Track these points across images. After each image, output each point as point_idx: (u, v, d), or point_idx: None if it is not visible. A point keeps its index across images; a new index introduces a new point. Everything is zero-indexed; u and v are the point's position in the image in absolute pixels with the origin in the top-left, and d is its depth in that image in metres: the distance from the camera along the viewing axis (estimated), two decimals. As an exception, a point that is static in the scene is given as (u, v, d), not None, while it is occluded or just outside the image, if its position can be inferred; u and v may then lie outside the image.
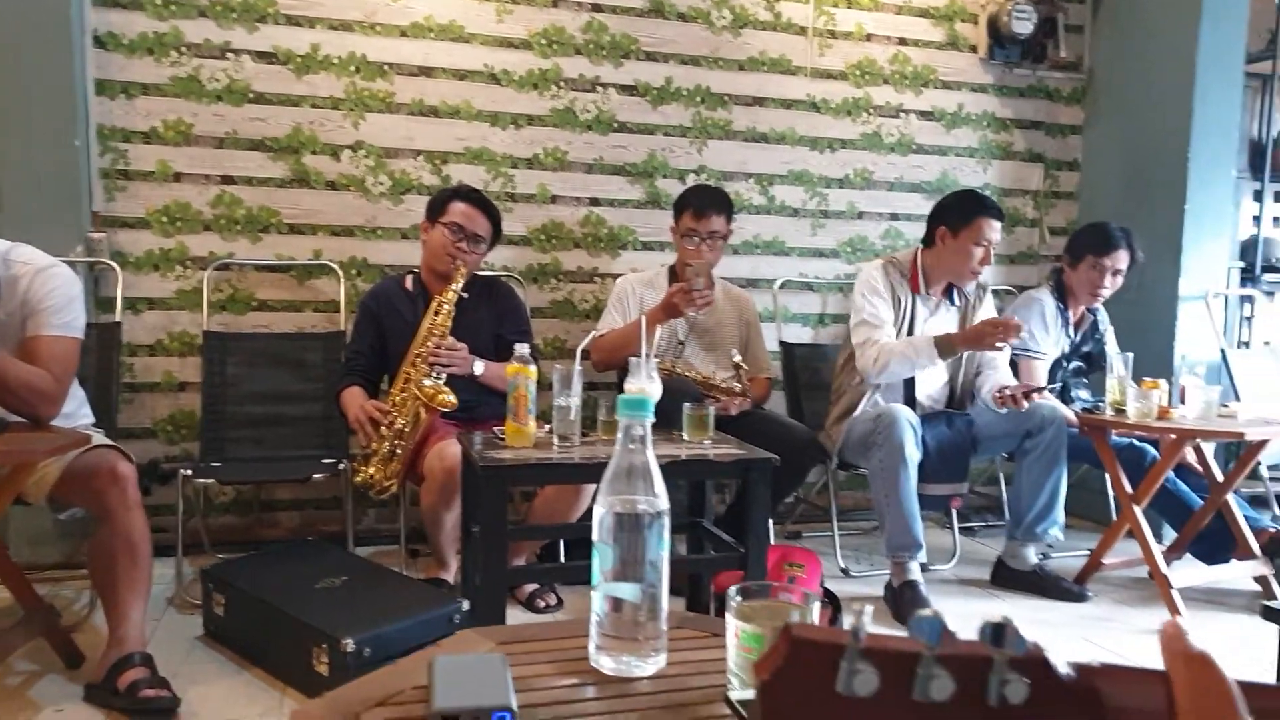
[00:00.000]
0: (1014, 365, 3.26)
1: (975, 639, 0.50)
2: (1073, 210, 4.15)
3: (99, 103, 3.11)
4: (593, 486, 2.66)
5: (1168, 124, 3.69)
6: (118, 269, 3.08)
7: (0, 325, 2.13)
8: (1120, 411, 2.89)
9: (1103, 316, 3.43)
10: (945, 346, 2.86)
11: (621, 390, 3.06)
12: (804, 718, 0.49)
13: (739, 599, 0.87)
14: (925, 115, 3.91)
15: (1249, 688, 0.50)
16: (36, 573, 2.42)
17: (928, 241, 3.04)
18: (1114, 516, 3.24)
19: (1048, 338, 3.26)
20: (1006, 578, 3.04)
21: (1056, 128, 4.11)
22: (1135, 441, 3.16)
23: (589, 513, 2.78)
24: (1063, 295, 3.32)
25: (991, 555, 3.21)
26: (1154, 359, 3.55)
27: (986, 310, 3.13)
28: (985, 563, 3.22)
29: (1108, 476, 3.13)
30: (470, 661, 0.91)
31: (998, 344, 2.78)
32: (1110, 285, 3.23)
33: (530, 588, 2.78)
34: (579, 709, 0.86)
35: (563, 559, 2.97)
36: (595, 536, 0.93)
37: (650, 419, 0.94)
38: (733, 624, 0.85)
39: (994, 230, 2.93)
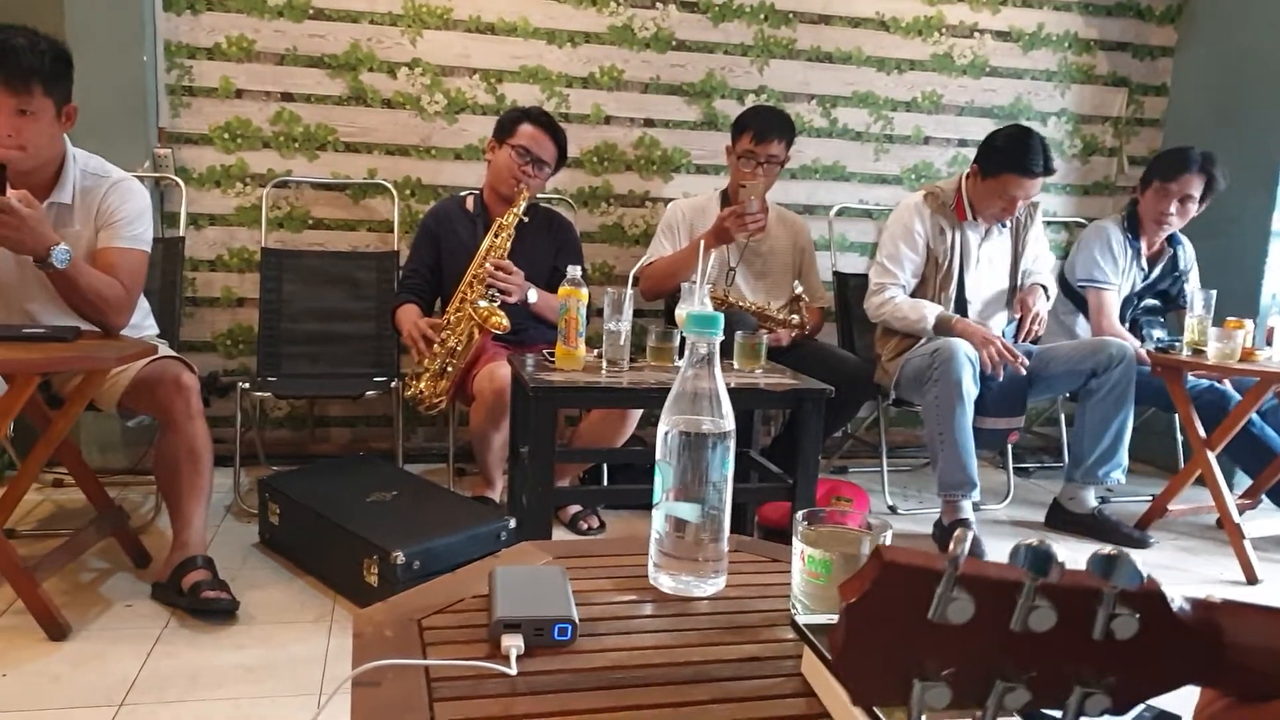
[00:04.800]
0: (1082, 297, 3.17)
1: (1083, 569, 0.48)
2: (1156, 138, 3.95)
3: (166, 18, 3.12)
4: (638, 412, 2.70)
5: (1271, 45, 3.47)
6: (182, 184, 3.11)
7: (74, 235, 2.17)
8: (1199, 352, 2.77)
9: (1186, 253, 3.27)
10: (943, 328, 2.82)
11: (670, 318, 3.04)
12: (891, 644, 0.47)
13: (805, 524, 0.85)
14: (1001, 35, 3.74)
15: None
16: (105, 477, 2.51)
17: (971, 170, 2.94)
18: (1181, 462, 3.16)
19: (1115, 268, 3.14)
20: (1063, 520, 2.97)
21: (1145, 49, 3.89)
22: (1217, 384, 3.03)
23: (634, 438, 2.81)
24: (1134, 226, 3.17)
25: (1046, 497, 3.16)
26: (1240, 298, 3.40)
27: (1036, 229, 3.04)
28: (1040, 504, 3.17)
29: (1178, 420, 3.04)
30: (530, 573, 0.90)
31: (995, 364, 2.74)
32: (1178, 213, 3.07)
33: (573, 509, 2.82)
34: (639, 625, 0.85)
35: (605, 483, 2.99)
36: (658, 455, 0.92)
37: (718, 337, 0.91)
38: (799, 548, 0.84)
39: (1023, 189, 2.78)
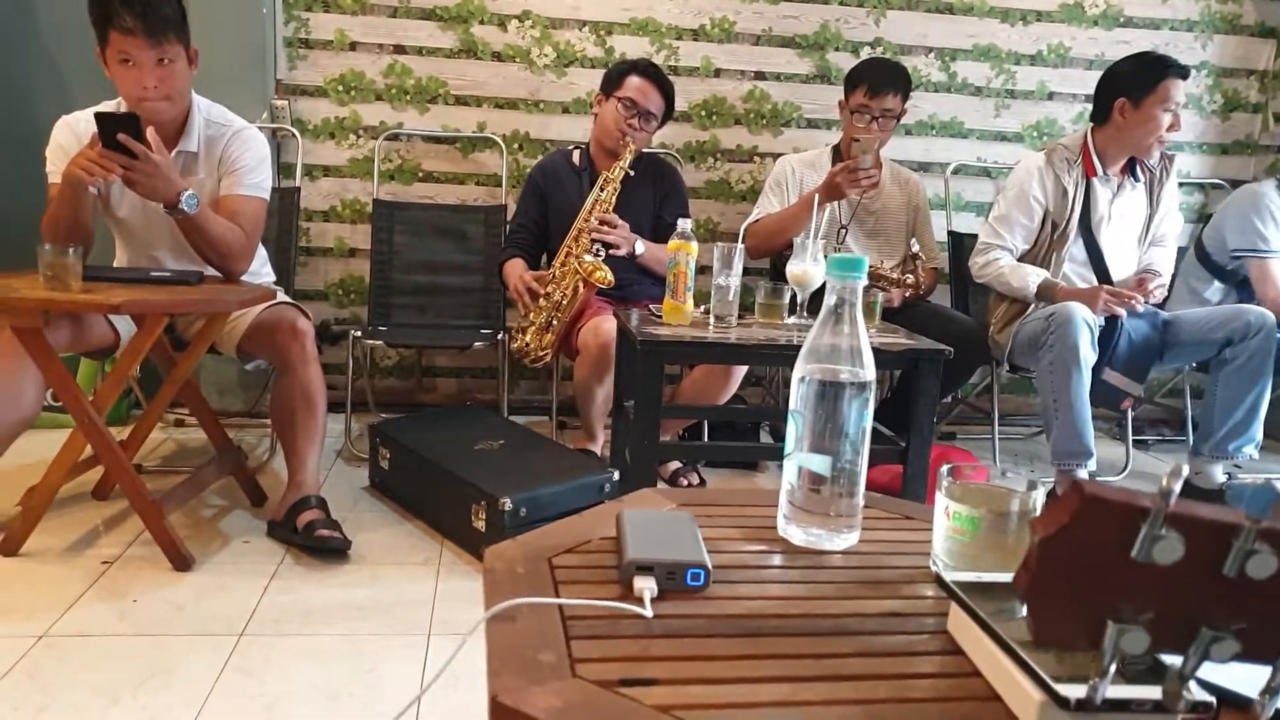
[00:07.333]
0: (1219, 265, 2.99)
1: None
2: (1306, 95, 3.69)
3: (284, -29, 3.17)
4: (742, 371, 2.66)
5: None
6: (298, 136, 3.17)
7: (199, 183, 2.24)
8: None
9: None
10: (1045, 295, 2.74)
11: (774, 276, 2.98)
12: (1086, 583, 0.45)
13: (951, 479, 0.81)
14: (1139, -17, 3.52)
15: None
16: (223, 419, 2.61)
17: (1101, 118, 2.80)
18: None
19: (1278, 233, 2.95)
20: (1187, 495, 2.80)
21: (1298, -3, 3.62)
22: None
23: (735, 397, 2.77)
24: None
25: (1166, 471, 3.01)
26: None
27: (1172, 185, 2.89)
28: (1159, 478, 3.01)
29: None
30: (659, 517, 0.89)
31: (1114, 308, 2.65)
32: None
33: (674, 466, 2.80)
34: (771, 575, 0.83)
35: (706, 441, 2.97)
36: (791, 405, 0.88)
37: (862, 281, 0.87)
38: (944, 503, 0.80)
39: (1181, 92, 2.70)
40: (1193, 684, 0.54)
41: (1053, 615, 0.46)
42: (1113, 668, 0.47)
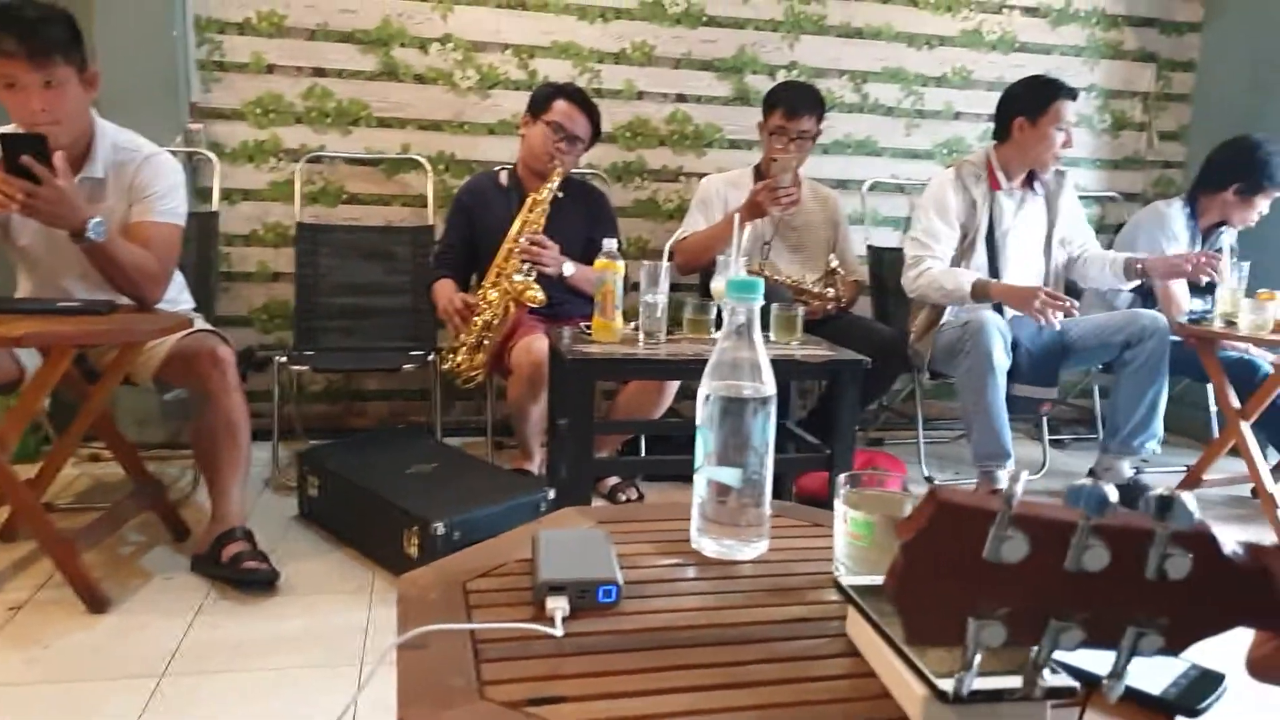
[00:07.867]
0: (1149, 283, 3.13)
1: (1138, 512, 0.48)
2: (1185, 114, 3.93)
3: (195, -6, 3.12)
4: (675, 385, 2.70)
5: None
6: (215, 159, 3.12)
7: (108, 210, 2.18)
8: (1231, 323, 2.75)
9: (1233, 231, 3.25)
10: (980, 294, 2.80)
11: (705, 292, 3.03)
12: (947, 583, 0.48)
13: (849, 486, 0.85)
14: (1030, 11, 3.72)
15: None
16: (142, 451, 2.53)
17: (1002, 136, 2.94)
18: (1216, 433, 3.13)
19: (1180, 250, 3.10)
20: (1096, 492, 2.94)
21: (1172, 25, 3.87)
22: (1247, 355, 3.01)
23: (670, 411, 2.81)
24: (1195, 214, 3.17)
25: (1081, 468, 3.14)
26: (1274, 270, 3.34)
27: (1068, 195, 3.05)
28: (1075, 475, 3.12)
29: (1211, 391, 3.01)
30: (574, 537, 0.91)
31: (1042, 314, 2.67)
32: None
33: (612, 481, 2.83)
34: (683, 587, 0.86)
35: (643, 455, 3.00)
36: (699, 420, 0.91)
37: (759, 302, 0.91)
38: (842, 510, 0.84)
39: (1071, 112, 2.86)
40: (1049, 673, 0.58)
41: (921, 615, 0.50)
42: (977, 660, 0.51)
